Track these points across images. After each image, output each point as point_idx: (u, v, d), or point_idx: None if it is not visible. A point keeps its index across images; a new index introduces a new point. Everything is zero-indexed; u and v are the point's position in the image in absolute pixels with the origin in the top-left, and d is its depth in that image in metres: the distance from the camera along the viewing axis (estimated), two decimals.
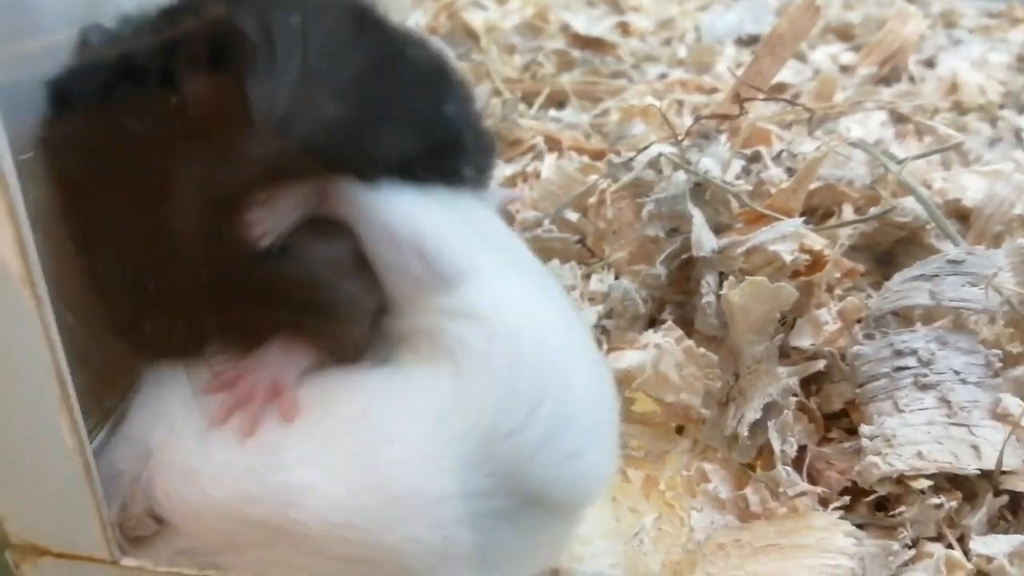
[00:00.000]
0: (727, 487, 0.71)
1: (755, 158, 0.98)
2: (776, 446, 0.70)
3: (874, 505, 0.66)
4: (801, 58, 1.39)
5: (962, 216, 0.88)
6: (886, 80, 1.30)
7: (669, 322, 0.81)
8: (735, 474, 0.72)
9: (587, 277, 0.90)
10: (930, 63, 1.39)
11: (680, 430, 0.77)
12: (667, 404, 0.76)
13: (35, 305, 0.44)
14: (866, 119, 1.11)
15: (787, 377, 0.73)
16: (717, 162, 0.95)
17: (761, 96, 0.95)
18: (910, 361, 0.69)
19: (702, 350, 0.75)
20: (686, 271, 0.86)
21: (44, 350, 0.45)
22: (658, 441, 0.76)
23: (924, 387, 0.67)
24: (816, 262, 0.82)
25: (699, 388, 0.75)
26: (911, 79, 1.28)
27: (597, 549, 0.67)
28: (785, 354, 0.78)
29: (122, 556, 0.55)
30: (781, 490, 0.67)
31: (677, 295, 0.87)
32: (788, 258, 0.78)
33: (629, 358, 0.79)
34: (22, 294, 0.44)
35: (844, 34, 1.49)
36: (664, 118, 1.00)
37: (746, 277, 0.76)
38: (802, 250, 0.82)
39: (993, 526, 0.64)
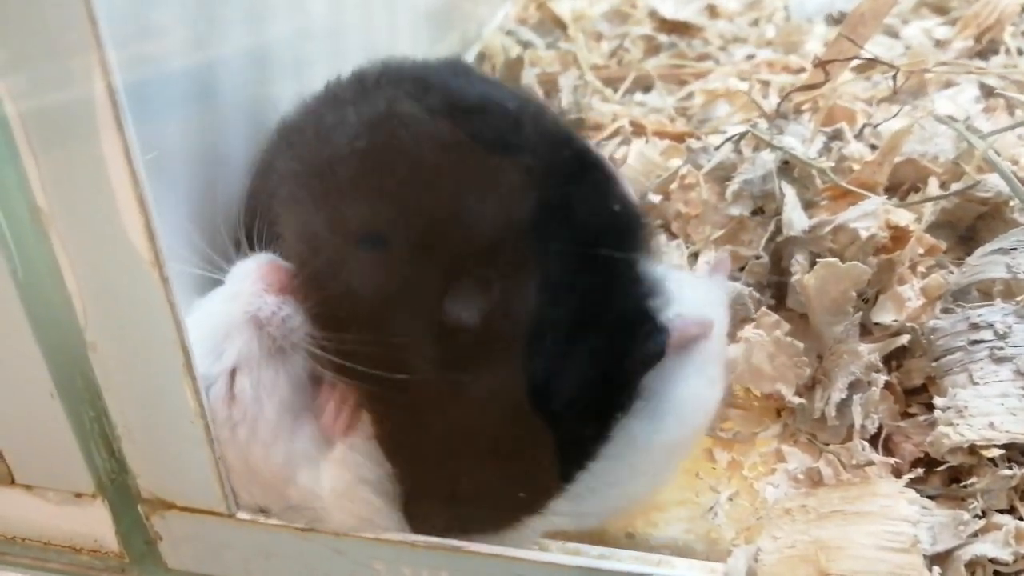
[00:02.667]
0: (804, 466, 0.72)
1: (836, 135, 0.98)
2: (857, 420, 0.71)
3: (948, 477, 0.67)
4: (893, 33, 1.37)
5: None
6: (982, 54, 1.26)
7: (764, 309, 0.83)
8: (815, 456, 0.74)
9: (694, 256, 0.92)
10: None
11: (779, 414, 0.79)
12: (764, 394, 0.78)
13: (162, 285, 0.50)
14: (956, 95, 1.09)
15: (869, 354, 0.74)
16: (799, 140, 0.97)
17: (848, 57, 0.94)
18: (987, 334, 0.70)
19: (790, 339, 0.77)
20: (778, 251, 0.88)
21: (170, 324, 0.52)
22: (750, 424, 0.78)
23: (1000, 360, 0.68)
24: (899, 238, 0.83)
25: (791, 377, 0.77)
26: (1008, 52, 1.24)
27: (672, 516, 0.70)
28: (867, 331, 0.79)
29: (238, 510, 0.62)
30: (854, 462, 0.69)
31: (772, 275, 0.89)
32: (865, 234, 0.79)
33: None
34: (151, 276, 0.50)
35: (939, 7, 1.44)
36: (751, 99, 1.02)
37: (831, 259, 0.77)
38: (887, 226, 0.82)
39: None
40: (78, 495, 0.63)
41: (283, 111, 0.73)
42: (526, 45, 1.45)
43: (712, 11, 1.54)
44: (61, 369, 0.57)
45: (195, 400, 0.55)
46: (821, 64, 0.94)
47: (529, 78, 1.27)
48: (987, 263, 0.73)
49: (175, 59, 0.69)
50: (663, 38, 1.43)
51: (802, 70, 1.26)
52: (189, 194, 0.72)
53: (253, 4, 0.80)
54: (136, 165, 0.47)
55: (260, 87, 0.83)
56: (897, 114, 0.93)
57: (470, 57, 1.39)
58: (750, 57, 1.36)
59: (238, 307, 0.61)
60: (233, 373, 0.59)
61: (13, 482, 0.65)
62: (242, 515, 0.62)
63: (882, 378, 0.73)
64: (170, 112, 0.69)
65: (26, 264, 0.52)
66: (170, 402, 0.56)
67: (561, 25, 1.51)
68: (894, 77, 0.98)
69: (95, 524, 0.65)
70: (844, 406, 0.73)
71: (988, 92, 1.09)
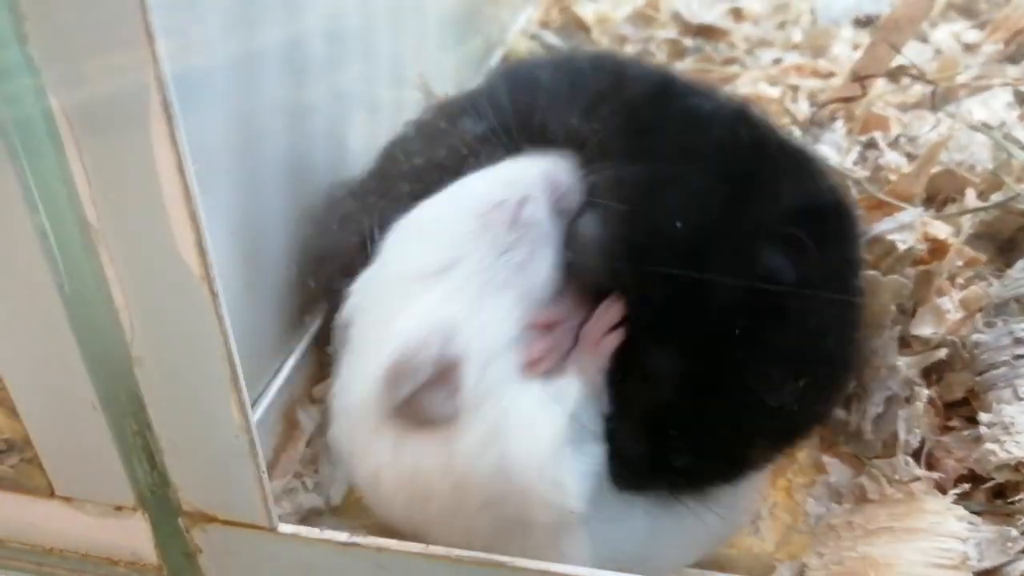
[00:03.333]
0: (846, 479, 0.72)
1: (871, 144, 0.97)
2: (902, 435, 0.71)
3: (992, 492, 0.67)
4: (922, 38, 1.36)
5: None
6: (1012, 58, 1.25)
7: None
8: (855, 468, 0.73)
9: None
10: None
11: None
12: None
13: (211, 299, 0.50)
14: (989, 100, 1.08)
15: (907, 369, 0.73)
16: (834, 149, 0.96)
17: (887, 71, 0.94)
18: None
19: None
20: None
21: (218, 338, 0.51)
22: None
23: None
24: (938, 250, 0.82)
25: None
26: None
27: None
28: (906, 344, 0.78)
29: (280, 524, 0.61)
30: (897, 477, 0.68)
31: None
32: (903, 247, 0.78)
33: None
34: (201, 290, 0.49)
35: (968, 11, 1.44)
36: (784, 108, 1.01)
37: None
38: (925, 238, 0.82)
39: None
40: (118, 508, 0.63)
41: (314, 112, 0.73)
42: (550, 49, 1.44)
43: (737, 14, 1.53)
44: (104, 382, 0.57)
45: (240, 414, 0.55)
46: (859, 80, 0.93)
47: None
48: None
49: (208, 67, 0.69)
50: (688, 42, 1.42)
51: (831, 74, 1.25)
52: (231, 206, 0.73)
53: (282, 10, 0.80)
54: (188, 179, 0.46)
55: (290, 91, 0.83)
56: (936, 127, 0.92)
57: (493, 61, 1.39)
58: (777, 61, 1.36)
59: (535, 165, 0.61)
60: (522, 201, 0.59)
61: (53, 494, 0.64)
62: (283, 529, 0.61)
63: (925, 392, 0.72)
64: (209, 123, 0.69)
65: (73, 278, 0.52)
66: (216, 416, 0.55)
67: (585, 28, 1.50)
68: (933, 93, 0.97)
69: (134, 537, 0.64)
70: (881, 420, 0.73)
71: (1023, 98, 1.08)
